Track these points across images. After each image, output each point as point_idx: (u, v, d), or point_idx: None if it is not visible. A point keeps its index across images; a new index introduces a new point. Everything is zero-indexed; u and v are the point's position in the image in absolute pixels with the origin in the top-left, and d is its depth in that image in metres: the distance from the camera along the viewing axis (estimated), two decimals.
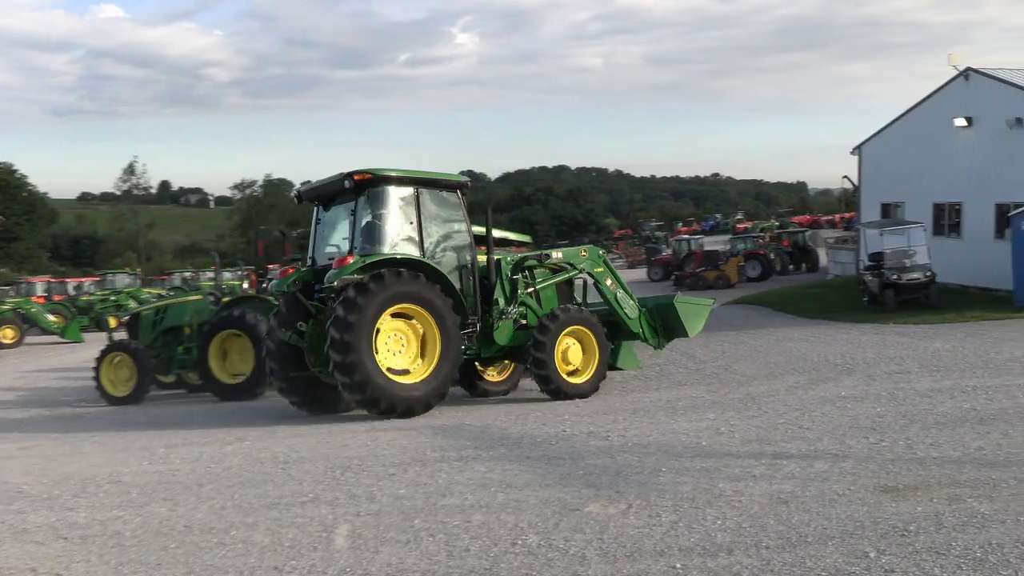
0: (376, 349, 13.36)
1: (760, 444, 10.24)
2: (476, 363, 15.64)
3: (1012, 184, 28.90)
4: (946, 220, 32.91)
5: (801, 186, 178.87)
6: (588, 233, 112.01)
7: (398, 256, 13.70)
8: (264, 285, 20.17)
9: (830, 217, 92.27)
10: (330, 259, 14.35)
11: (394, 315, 13.62)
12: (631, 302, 16.17)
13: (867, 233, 32.62)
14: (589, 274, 15.98)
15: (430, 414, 13.77)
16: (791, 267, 51.58)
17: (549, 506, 8.08)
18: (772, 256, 50.42)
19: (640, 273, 55.06)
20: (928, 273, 28.12)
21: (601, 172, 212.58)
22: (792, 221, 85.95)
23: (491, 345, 14.88)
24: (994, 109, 29.92)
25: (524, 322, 15.15)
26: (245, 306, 18.45)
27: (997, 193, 29.60)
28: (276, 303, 15.40)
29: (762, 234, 61.83)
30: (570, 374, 14.97)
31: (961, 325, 23.49)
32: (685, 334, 16.34)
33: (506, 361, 16.00)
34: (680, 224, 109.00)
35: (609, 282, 16.01)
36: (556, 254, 15.87)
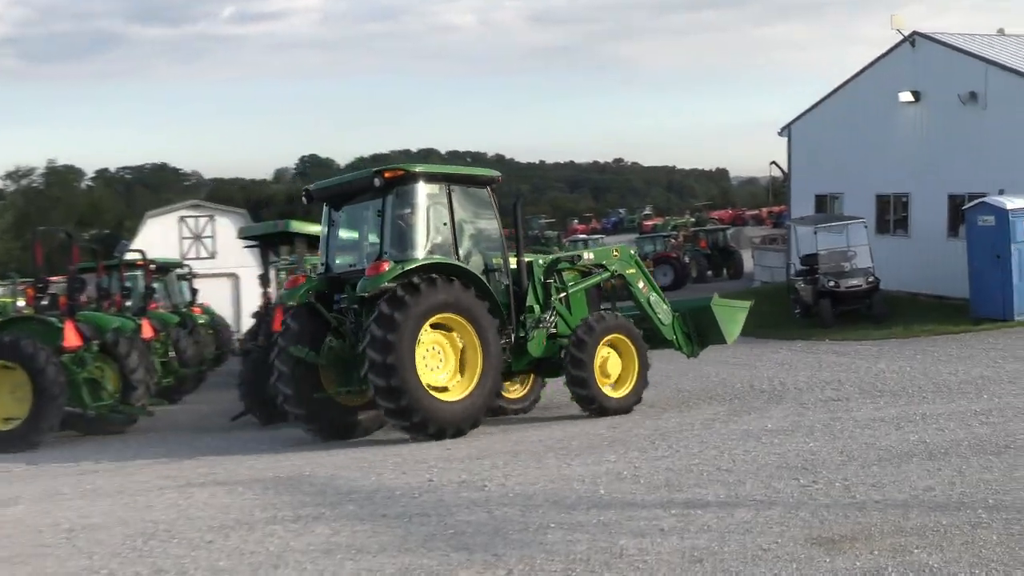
0: (416, 361, 14.65)
1: (670, 490, 10.39)
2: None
3: (967, 171, 30.26)
4: (891, 215, 34.19)
5: (722, 174, 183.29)
6: None
7: (437, 261, 15.05)
8: (44, 301, 19.55)
9: (756, 212, 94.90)
10: (351, 266, 15.95)
11: (432, 327, 14.99)
12: (664, 306, 17.85)
13: (799, 231, 33.67)
14: (621, 276, 17.63)
15: (257, 465, 13.68)
16: (710, 273, 52.73)
17: (410, 575, 8.06)
18: (687, 260, 51.44)
19: None
20: (871, 279, 29.16)
21: (478, 157, 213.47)
22: (711, 217, 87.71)
23: (522, 357, 16.31)
24: (945, 82, 31.26)
25: (554, 331, 16.58)
26: (19, 330, 17.87)
27: (950, 182, 30.94)
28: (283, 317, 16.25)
29: (675, 233, 62.93)
30: (608, 387, 16.45)
31: (909, 341, 24.36)
32: (723, 340, 17.95)
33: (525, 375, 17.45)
34: (576, 221, 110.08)
35: (641, 284, 17.69)
36: (587, 255, 17.74)
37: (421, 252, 15.13)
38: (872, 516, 8.94)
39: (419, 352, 14.73)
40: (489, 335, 15.23)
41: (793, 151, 39.77)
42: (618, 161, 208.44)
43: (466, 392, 15.11)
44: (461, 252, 15.52)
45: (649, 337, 17.30)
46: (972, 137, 30.16)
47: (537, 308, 16.41)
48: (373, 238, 15.75)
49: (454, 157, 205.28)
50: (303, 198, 16.71)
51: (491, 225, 16.16)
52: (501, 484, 11.22)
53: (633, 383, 16.68)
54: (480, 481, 11.45)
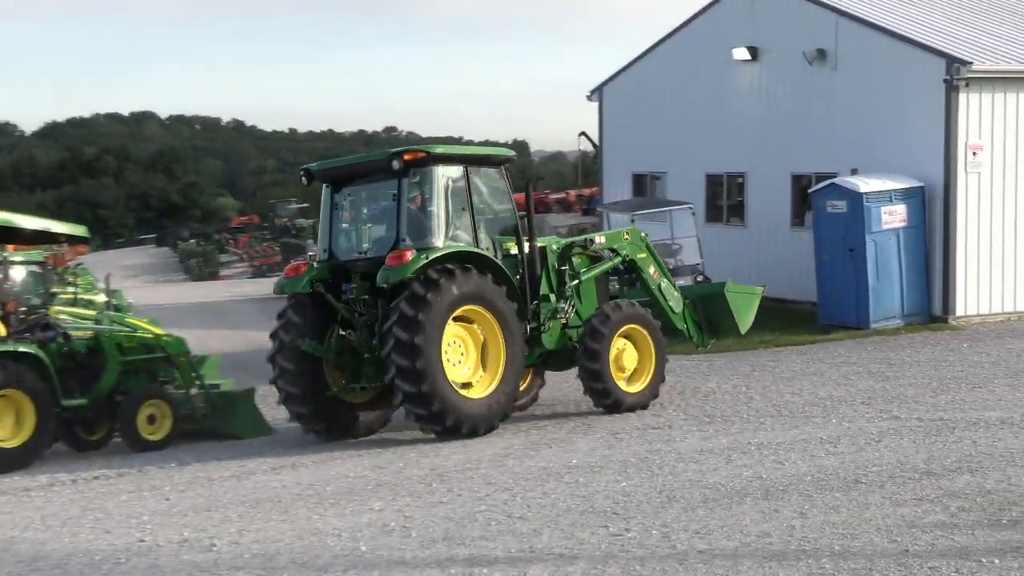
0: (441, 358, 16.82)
1: (449, 544, 10.49)
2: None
3: (814, 147, 31.08)
4: (724, 199, 35.02)
5: (521, 148, 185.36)
6: (189, 222, 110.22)
7: (461, 249, 17.32)
8: None
9: (561, 194, 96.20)
10: (359, 253, 18.22)
11: (457, 319, 17.17)
12: (675, 293, 20.46)
13: (612, 219, 34.05)
14: (632, 260, 19.95)
15: None
16: None
17: None
18: None
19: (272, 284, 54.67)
20: (699, 278, 29.80)
21: (209, 123, 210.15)
22: None
23: (534, 349, 18.52)
24: (789, 37, 32.11)
25: (564, 321, 18.90)
26: None
27: (794, 160, 31.69)
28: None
29: None
30: (624, 380, 18.57)
31: (745, 354, 24.91)
32: (737, 330, 20.74)
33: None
34: None
35: (652, 270, 20.17)
36: (599, 238, 20.06)
37: (441, 239, 17.32)
38: (696, 569, 9.19)
39: (442, 349, 16.84)
40: (512, 326, 17.51)
41: (606, 120, 40.09)
42: (390, 131, 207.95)
43: (492, 387, 17.38)
44: (480, 238, 17.77)
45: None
46: (820, 105, 30.84)
47: (552, 297, 18.75)
48: (381, 223, 18.36)
49: (177, 124, 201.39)
50: (302, 178, 18.84)
51: (506, 208, 18.60)
52: (234, 542, 11.14)
53: (650, 377, 18.86)
54: (207, 539, 11.35)
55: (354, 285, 17.58)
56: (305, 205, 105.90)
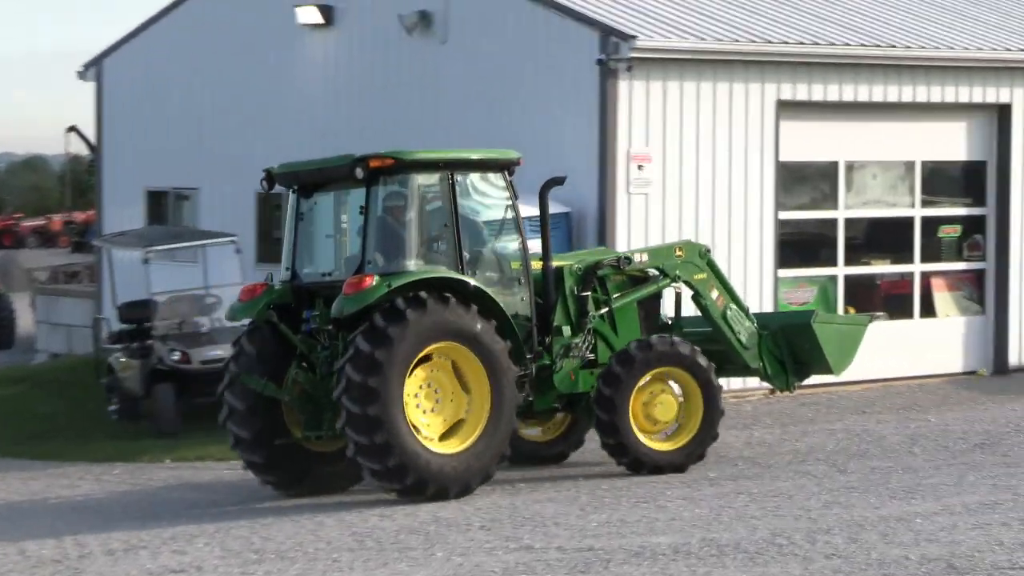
0: (405, 403, 19.01)
1: None
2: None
3: (412, 146, 30.78)
4: (284, 228, 34.52)
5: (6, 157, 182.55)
6: None
7: (435, 275, 19.38)
8: None
9: (40, 220, 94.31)
10: (323, 275, 20.52)
11: (423, 360, 19.23)
12: (746, 323, 22.50)
13: (116, 257, 33.19)
14: (687, 283, 22.17)
15: None
16: None
17: None
18: None
19: None
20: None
21: None
22: None
23: (547, 392, 20.86)
24: None
25: (592, 357, 21.17)
26: None
27: None
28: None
29: None
30: (658, 435, 21.04)
31: None
32: (828, 369, 22.91)
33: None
34: None
35: (715, 294, 22.28)
36: (640, 256, 22.20)
37: (413, 262, 19.43)
38: None
39: (409, 392, 18.96)
40: (501, 366, 19.42)
41: (107, 110, 39.34)
42: None
43: (471, 440, 19.42)
44: (467, 258, 19.82)
45: (726, 363, 22.09)
46: (423, 93, 30.91)
47: (567, 329, 20.95)
48: (355, 239, 20.31)
49: None
50: (262, 182, 21.04)
51: (509, 223, 20.75)
52: None
53: (694, 432, 21.04)
54: None
55: (315, 312, 19.78)
56: None
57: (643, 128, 27.80)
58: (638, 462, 20.55)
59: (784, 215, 29.61)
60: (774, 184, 29.15)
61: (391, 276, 18.92)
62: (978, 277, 32.30)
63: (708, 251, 22.97)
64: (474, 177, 20.78)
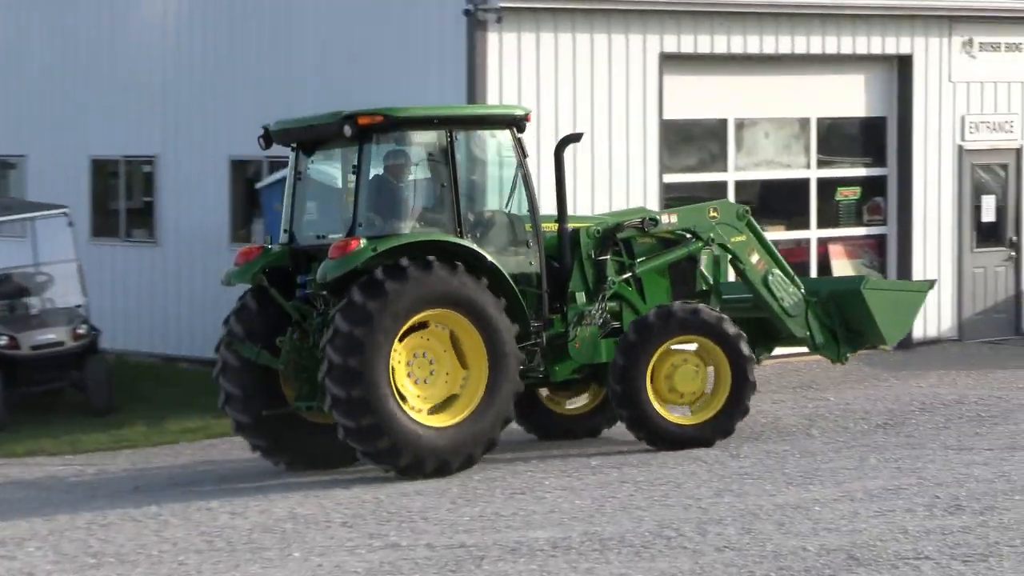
0: (395, 377, 19.65)
1: None
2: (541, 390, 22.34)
3: (267, 117, 30.47)
4: (122, 200, 34.29)
5: None
6: None
7: (427, 238, 20.02)
8: None
9: None
10: (319, 238, 21.03)
11: (418, 326, 19.95)
12: (791, 289, 23.01)
13: None
14: (723, 246, 22.67)
15: None
16: None
17: None
18: None
19: None
20: (81, 330, 28.96)
21: None
22: None
23: (565, 362, 21.57)
24: None
25: (617, 324, 21.84)
26: None
27: (233, 138, 31.03)
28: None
29: None
30: (684, 410, 21.85)
31: (159, 451, 24.75)
32: (881, 339, 23.68)
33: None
34: None
35: (755, 258, 22.90)
36: (669, 217, 22.88)
37: (408, 225, 20.27)
38: None
39: (400, 358, 19.70)
40: (500, 334, 19.95)
41: None
42: None
43: (468, 411, 20.05)
44: (469, 221, 20.61)
45: (770, 333, 23.15)
46: (273, 49, 30.81)
47: (582, 295, 21.59)
48: (348, 200, 20.96)
49: None
50: (259, 139, 21.68)
51: (515, 181, 21.29)
52: None
53: (720, 406, 21.61)
54: None
55: (310, 277, 20.32)
56: None
57: (515, 84, 27.69)
58: (656, 436, 21.32)
59: (669, 178, 29.65)
60: (658, 144, 29.21)
61: (379, 239, 19.48)
62: (879, 243, 32.66)
63: (747, 212, 23.43)
64: (478, 135, 21.53)
